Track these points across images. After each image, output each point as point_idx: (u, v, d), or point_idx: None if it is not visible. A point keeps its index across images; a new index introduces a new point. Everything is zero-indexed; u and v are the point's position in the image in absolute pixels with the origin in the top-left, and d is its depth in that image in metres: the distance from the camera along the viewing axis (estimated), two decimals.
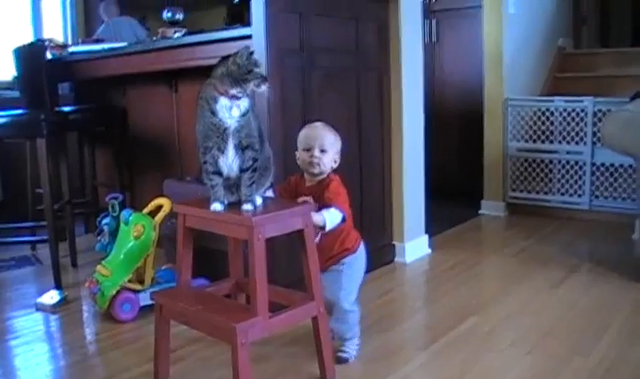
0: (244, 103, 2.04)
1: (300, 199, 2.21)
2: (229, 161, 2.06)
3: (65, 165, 3.79)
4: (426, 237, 3.80)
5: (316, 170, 2.27)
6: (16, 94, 4.39)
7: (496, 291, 3.17)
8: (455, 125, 5.20)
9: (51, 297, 3.12)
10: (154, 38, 4.03)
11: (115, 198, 3.10)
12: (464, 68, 5.14)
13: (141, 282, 2.92)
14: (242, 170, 2.06)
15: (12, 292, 3.40)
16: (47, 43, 4.00)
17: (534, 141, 4.66)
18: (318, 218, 2.17)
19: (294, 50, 2.91)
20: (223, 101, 2.03)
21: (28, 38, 5.32)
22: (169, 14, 4.21)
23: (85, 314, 3.04)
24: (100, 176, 4.55)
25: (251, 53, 2.06)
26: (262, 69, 2.09)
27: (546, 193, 4.61)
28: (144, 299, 2.84)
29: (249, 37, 2.79)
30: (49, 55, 3.95)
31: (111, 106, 4.22)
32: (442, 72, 5.25)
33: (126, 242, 2.90)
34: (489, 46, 4.68)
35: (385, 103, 3.50)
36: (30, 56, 3.68)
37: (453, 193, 5.00)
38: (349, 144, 3.23)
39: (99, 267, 2.92)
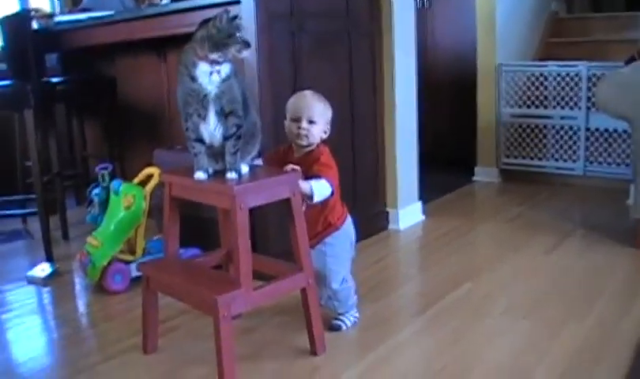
0: (225, 69, 1.97)
1: (288, 167, 2.13)
2: (211, 128, 1.99)
3: (53, 137, 3.74)
4: (419, 203, 3.78)
5: (304, 142, 2.21)
6: (2, 66, 4.34)
7: (490, 258, 3.15)
8: (447, 92, 5.17)
9: (42, 269, 3.09)
10: (141, 6, 3.97)
11: (105, 168, 3.06)
12: (456, 33, 5.09)
13: (133, 252, 2.89)
14: (225, 138, 1.99)
15: (3, 265, 3.38)
16: (32, 12, 3.93)
17: (528, 107, 4.63)
18: (305, 186, 2.11)
19: (283, 15, 2.86)
20: (202, 66, 1.96)
21: (13, 8, 5.24)
22: None
23: (77, 286, 3.02)
24: (90, 147, 4.50)
25: (234, 17, 1.99)
26: (244, 34, 2.01)
27: (540, 159, 4.59)
28: (136, 270, 2.81)
29: (238, 2, 2.73)
30: (35, 25, 3.89)
31: (99, 76, 4.16)
32: (434, 37, 5.20)
33: (116, 213, 2.86)
34: (481, 11, 4.63)
35: (377, 69, 3.46)
36: (15, 26, 3.61)
37: (446, 159, 4.98)
38: (341, 110, 3.21)
39: (89, 238, 2.89)
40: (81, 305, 2.86)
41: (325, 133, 2.26)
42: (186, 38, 3.31)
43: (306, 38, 2.98)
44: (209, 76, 1.95)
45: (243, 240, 1.94)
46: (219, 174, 2.04)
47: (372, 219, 3.48)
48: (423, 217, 3.77)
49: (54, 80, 3.74)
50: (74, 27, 3.86)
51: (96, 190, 3.04)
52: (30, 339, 2.45)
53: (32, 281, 3.05)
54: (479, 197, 4.46)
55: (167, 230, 2.23)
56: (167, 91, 3.81)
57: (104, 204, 2.98)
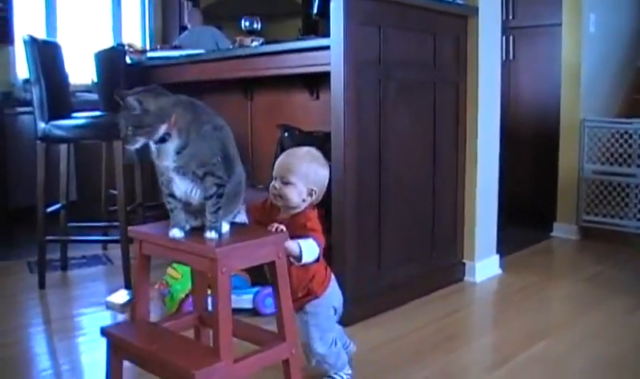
0: (175, 142, 1.77)
1: (273, 226, 1.95)
2: (183, 189, 1.83)
3: (139, 168, 3.85)
4: (497, 257, 3.72)
5: (278, 203, 2.06)
6: (94, 97, 4.51)
7: (567, 316, 3.08)
8: (529, 145, 5.09)
9: (121, 296, 3.17)
10: (230, 46, 4.07)
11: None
12: (540, 87, 5.04)
13: (209, 287, 2.93)
14: (205, 198, 1.82)
15: (82, 289, 3.48)
16: (126, 47, 4.08)
17: (611, 164, 4.53)
18: (293, 246, 1.94)
19: (371, 62, 2.89)
20: (153, 145, 1.80)
21: (107, 42, 5.46)
22: (247, 23, 4.25)
23: (152, 316, 3.07)
24: None
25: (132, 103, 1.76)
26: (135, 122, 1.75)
27: (621, 218, 4.47)
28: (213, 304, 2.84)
29: (327, 48, 2.78)
30: (128, 60, 4.03)
31: None
32: (518, 90, 5.16)
33: None
34: (567, 66, 4.58)
35: (461, 119, 3.45)
36: (110, 60, 3.77)
37: (525, 213, 4.89)
38: (422, 158, 3.21)
39: (170, 270, 2.95)
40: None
41: (311, 196, 2.07)
42: (273, 80, 3.42)
43: (392, 86, 3.00)
44: (157, 153, 1.81)
45: (225, 307, 1.75)
46: (196, 232, 1.86)
47: (449, 269, 3.45)
48: (499, 271, 3.71)
49: None
50: (165, 63, 3.99)
51: None
52: (104, 364, 2.49)
53: (110, 307, 3.13)
54: (557, 254, 4.36)
55: (136, 291, 2.02)
56: (250, 129, 3.89)
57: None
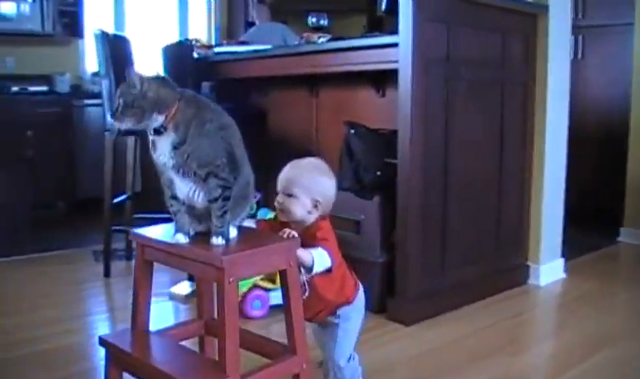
0: (170, 137, 1.67)
1: (284, 232, 1.84)
2: (185, 191, 1.73)
3: None
4: (561, 260, 3.64)
5: (282, 218, 1.95)
6: None
7: (633, 324, 2.99)
8: (596, 146, 4.97)
9: (184, 287, 3.21)
10: (296, 42, 4.08)
11: (254, 197, 3.15)
12: (609, 87, 4.91)
13: (273, 281, 2.95)
14: (210, 201, 1.71)
15: None
16: (193, 42, 4.13)
17: None
18: (305, 256, 1.83)
19: (439, 60, 2.86)
20: (150, 136, 1.72)
21: (174, 38, 5.54)
22: (314, 20, 4.25)
23: (216, 308, 3.11)
24: None
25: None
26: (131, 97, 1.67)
27: None
28: (275, 298, 2.87)
29: (395, 45, 2.77)
30: (195, 55, 4.08)
31: (250, 107, 4.31)
32: (585, 90, 5.04)
33: None
34: (639, 65, 4.46)
35: (529, 119, 3.39)
36: (178, 55, 3.82)
37: (590, 217, 4.77)
38: (489, 158, 3.17)
39: None
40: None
41: (317, 207, 1.93)
42: (339, 77, 3.42)
43: (460, 84, 2.97)
44: (152, 146, 1.72)
45: (232, 319, 1.62)
46: (201, 237, 1.74)
47: (513, 271, 3.39)
48: (564, 275, 3.63)
49: None
50: (232, 58, 4.03)
51: None
52: None
53: (173, 297, 3.18)
54: (624, 259, 4.24)
55: (137, 299, 1.88)
56: (315, 127, 3.89)
57: None
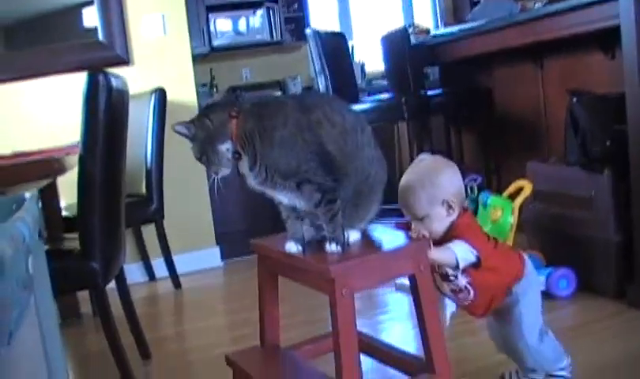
0: (244, 160, 1.54)
1: (414, 232, 1.70)
2: (286, 200, 1.59)
3: (428, 148, 3.83)
4: None
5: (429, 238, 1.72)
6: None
7: None
8: None
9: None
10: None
11: (474, 180, 3.03)
12: None
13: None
14: (315, 207, 1.55)
15: None
16: (410, 28, 4.08)
17: None
18: (445, 253, 1.67)
19: None
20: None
21: (398, 26, 5.53)
22: None
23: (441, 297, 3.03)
24: (467, 158, 4.52)
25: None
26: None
27: None
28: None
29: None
30: (413, 40, 4.03)
31: (475, 88, 4.17)
32: None
33: (483, 226, 2.79)
34: None
35: None
36: (395, 42, 3.80)
37: None
38: None
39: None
40: (447, 315, 2.83)
41: (452, 208, 1.74)
42: (563, 43, 3.16)
43: None
44: (242, 174, 1.58)
45: (348, 336, 1.43)
46: (320, 245, 1.58)
47: None
48: None
49: (430, 93, 3.83)
50: (449, 40, 3.92)
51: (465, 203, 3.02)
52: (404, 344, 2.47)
53: (399, 288, 3.16)
54: None
55: (263, 314, 1.78)
56: (543, 100, 3.66)
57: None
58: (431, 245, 1.65)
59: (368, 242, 1.62)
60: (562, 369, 1.94)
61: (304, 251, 1.58)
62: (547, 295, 2.73)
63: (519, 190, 2.83)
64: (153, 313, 3.47)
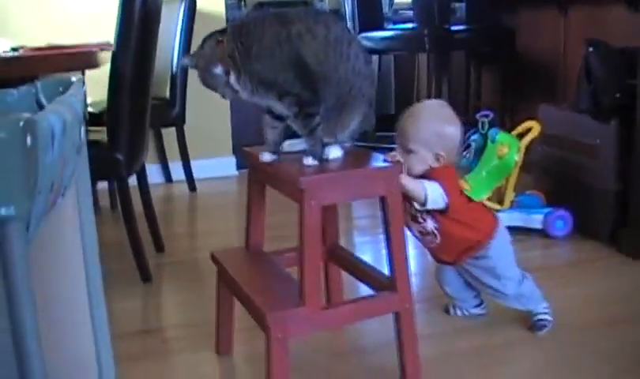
0: (232, 75, 1.62)
1: (389, 155, 1.70)
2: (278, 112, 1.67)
3: (446, 82, 3.90)
4: None
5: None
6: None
7: None
8: None
9: None
10: None
11: (486, 116, 3.10)
12: None
13: (501, 202, 2.93)
14: (294, 118, 1.63)
15: None
16: None
17: None
18: (417, 186, 1.74)
19: None
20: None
21: None
22: None
23: None
24: (484, 96, 4.59)
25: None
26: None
27: None
28: (502, 220, 2.84)
29: None
30: None
31: (498, 26, 4.21)
32: None
33: (489, 160, 2.91)
34: None
35: None
36: None
37: None
38: None
39: (461, 181, 2.99)
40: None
41: (439, 160, 1.82)
42: None
43: None
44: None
45: (312, 244, 1.51)
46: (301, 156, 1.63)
47: None
48: None
49: (454, 28, 3.88)
50: None
51: (474, 136, 3.11)
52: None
53: None
54: None
55: (250, 219, 1.87)
56: (563, 47, 3.71)
57: (480, 150, 3.03)
58: (405, 171, 1.71)
59: (346, 159, 1.66)
60: (545, 308, 2.04)
61: (278, 160, 1.67)
62: (543, 234, 2.88)
63: (528, 130, 2.93)
64: (168, 211, 3.65)
